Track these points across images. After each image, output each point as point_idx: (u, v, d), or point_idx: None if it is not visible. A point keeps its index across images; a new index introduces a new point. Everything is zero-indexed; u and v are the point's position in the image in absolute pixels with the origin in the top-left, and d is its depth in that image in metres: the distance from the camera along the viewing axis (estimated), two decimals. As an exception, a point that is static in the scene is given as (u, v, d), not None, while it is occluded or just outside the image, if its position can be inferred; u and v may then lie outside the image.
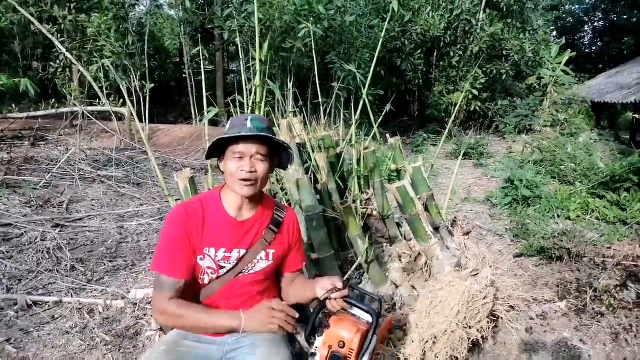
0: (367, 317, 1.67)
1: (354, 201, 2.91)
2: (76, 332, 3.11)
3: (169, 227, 1.66)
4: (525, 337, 3.17)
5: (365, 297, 1.75)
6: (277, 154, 1.74)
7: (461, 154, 3.77)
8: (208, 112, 2.90)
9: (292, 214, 1.88)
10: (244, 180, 1.60)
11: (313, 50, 3.02)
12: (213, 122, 12.73)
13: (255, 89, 2.19)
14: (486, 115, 13.70)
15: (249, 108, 2.50)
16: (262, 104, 2.17)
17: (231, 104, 3.24)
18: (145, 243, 4.74)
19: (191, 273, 1.67)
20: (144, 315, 3.32)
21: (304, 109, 2.96)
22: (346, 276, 2.39)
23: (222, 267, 1.71)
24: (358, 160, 3.01)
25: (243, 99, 2.91)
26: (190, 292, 1.77)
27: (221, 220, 1.69)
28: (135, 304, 3.44)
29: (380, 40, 3.12)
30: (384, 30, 2.98)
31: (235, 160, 1.61)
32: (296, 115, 3.14)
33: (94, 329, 3.14)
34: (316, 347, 1.65)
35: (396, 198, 2.47)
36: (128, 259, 4.31)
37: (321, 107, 3.16)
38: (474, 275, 2.34)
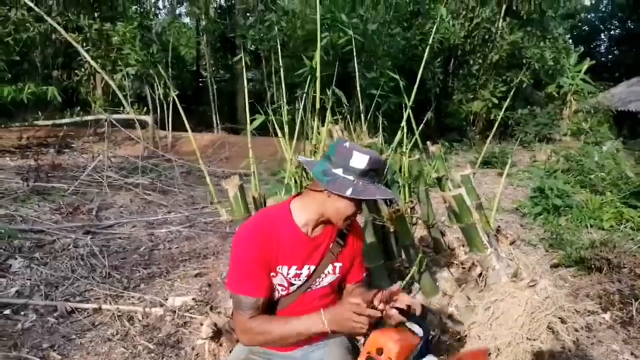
0: (421, 332, 1.63)
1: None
2: (118, 339, 3.09)
3: (243, 248, 1.61)
4: (573, 349, 3.10)
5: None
6: None
7: (507, 166, 3.70)
8: (253, 120, 2.89)
9: (356, 225, 1.85)
10: (349, 223, 1.66)
11: (355, 60, 3.00)
12: (234, 131, 12.81)
13: (314, 97, 2.17)
14: (506, 124, 13.60)
15: (297, 119, 2.48)
16: (328, 114, 2.16)
17: (272, 113, 3.22)
18: (177, 250, 4.74)
19: (270, 290, 1.65)
20: (184, 323, 3.31)
21: (348, 116, 2.93)
22: (401, 284, 2.35)
23: (292, 284, 1.68)
24: (402, 168, 2.97)
25: (284, 106, 2.91)
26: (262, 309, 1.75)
27: (295, 238, 1.65)
28: (174, 312, 3.43)
29: (427, 51, 3.07)
30: (431, 38, 2.94)
31: (351, 207, 1.59)
32: (337, 123, 3.12)
33: (135, 336, 3.13)
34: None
35: (452, 206, 2.42)
36: (162, 267, 4.30)
37: (362, 115, 3.14)
38: (532, 286, 2.29)
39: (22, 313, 3.36)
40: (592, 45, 30.10)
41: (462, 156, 11.13)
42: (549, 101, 14.66)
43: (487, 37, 13.13)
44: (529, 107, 13.79)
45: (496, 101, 12.65)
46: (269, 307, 1.70)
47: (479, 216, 2.63)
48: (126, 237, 5.03)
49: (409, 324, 1.64)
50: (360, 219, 2.44)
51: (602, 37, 31.29)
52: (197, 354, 2.91)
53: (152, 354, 2.95)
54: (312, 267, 1.69)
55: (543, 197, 6.13)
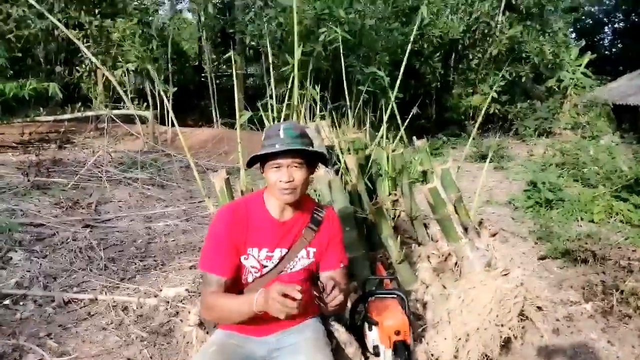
0: (393, 297, 1.91)
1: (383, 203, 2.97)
2: (112, 328, 3.21)
3: (215, 227, 1.75)
4: (551, 337, 3.19)
5: (383, 281, 1.92)
6: (314, 158, 1.80)
7: (488, 159, 3.79)
8: (241, 115, 2.98)
9: (332, 212, 1.95)
10: (284, 189, 1.68)
11: (341, 55, 3.09)
12: (234, 125, 12.90)
13: (292, 93, 2.26)
14: (505, 119, 13.63)
15: (282, 114, 2.58)
16: (302, 109, 2.25)
17: (261, 109, 3.31)
18: (173, 243, 4.85)
19: (234, 271, 1.75)
20: (177, 313, 3.42)
21: (333, 112, 3.02)
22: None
23: (265, 267, 1.78)
24: (387, 162, 3.07)
25: (273, 103, 3.00)
26: (236, 291, 1.84)
27: (264, 221, 1.78)
28: (168, 302, 3.53)
29: (409, 46, 3.16)
30: (413, 34, 3.03)
31: (274, 172, 1.69)
32: (324, 118, 3.22)
33: (129, 325, 3.24)
34: (374, 340, 1.83)
35: (427, 199, 2.52)
36: (158, 259, 4.41)
37: (349, 111, 3.23)
38: (505, 275, 2.39)
39: (21, 303, 3.48)
40: (595, 39, 29.92)
41: (460, 150, 11.18)
42: (549, 95, 14.66)
43: (486, 31, 13.15)
44: (529, 101, 13.81)
45: (495, 95, 12.69)
46: (243, 289, 1.81)
47: (456, 208, 2.72)
48: (124, 231, 5.15)
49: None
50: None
51: (606, 30, 31.12)
52: (187, 342, 3.03)
53: (145, 342, 3.06)
54: (284, 250, 1.80)
55: (536, 190, 6.20)
